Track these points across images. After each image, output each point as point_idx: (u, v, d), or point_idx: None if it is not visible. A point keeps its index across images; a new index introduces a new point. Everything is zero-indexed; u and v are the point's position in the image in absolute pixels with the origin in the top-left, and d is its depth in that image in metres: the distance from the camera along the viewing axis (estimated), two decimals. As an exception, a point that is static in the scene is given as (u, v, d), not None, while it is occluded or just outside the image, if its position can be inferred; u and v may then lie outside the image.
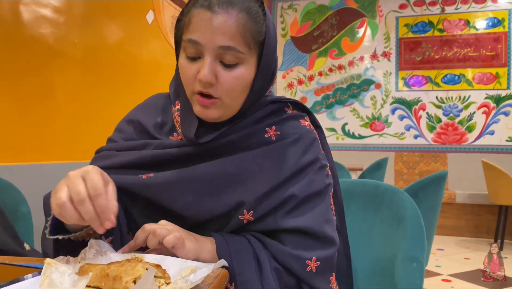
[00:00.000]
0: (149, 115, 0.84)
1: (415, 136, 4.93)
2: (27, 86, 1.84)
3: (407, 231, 0.85)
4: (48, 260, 0.54)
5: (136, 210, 0.77)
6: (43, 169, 1.81)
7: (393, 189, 0.95)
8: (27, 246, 1.06)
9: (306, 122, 0.82)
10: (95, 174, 0.57)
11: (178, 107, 0.79)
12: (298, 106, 0.84)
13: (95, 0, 2.27)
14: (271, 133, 0.78)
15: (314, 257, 0.73)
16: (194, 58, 0.71)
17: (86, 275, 0.53)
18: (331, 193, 0.81)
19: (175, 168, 0.75)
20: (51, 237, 0.66)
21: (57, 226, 0.68)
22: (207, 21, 0.68)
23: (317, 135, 0.83)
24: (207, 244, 0.70)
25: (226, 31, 0.67)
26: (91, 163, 0.82)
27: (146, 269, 0.52)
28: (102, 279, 0.54)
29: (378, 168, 3.49)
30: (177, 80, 0.79)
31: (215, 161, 0.75)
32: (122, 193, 0.74)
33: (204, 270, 0.57)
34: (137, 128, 0.83)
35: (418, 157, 4.90)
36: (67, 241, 0.68)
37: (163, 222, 0.69)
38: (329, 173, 0.82)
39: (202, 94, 0.71)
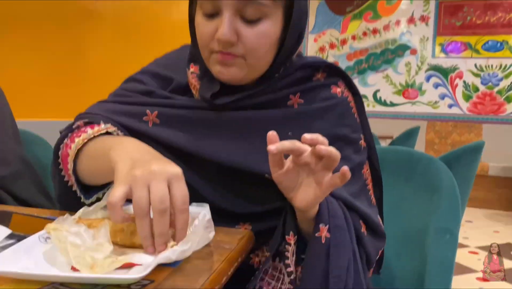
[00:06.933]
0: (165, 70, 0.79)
1: (450, 106, 4.75)
2: (59, 45, 1.86)
3: (441, 202, 0.81)
4: (51, 226, 0.49)
5: None
6: (74, 127, 1.84)
7: (428, 157, 0.92)
8: (57, 201, 1.09)
9: (338, 89, 0.73)
10: (184, 184, 0.50)
11: (192, 70, 0.73)
12: (332, 69, 0.75)
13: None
14: (294, 100, 0.71)
15: (360, 221, 0.68)
16: (212, 15, 0.63)
17: (96, 228, 0.51)
18: (363, 171, 0.74)
19: (188, 128, 0.69)
20: (89, 201, 0.67)
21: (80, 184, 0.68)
22: None
23: (351, 103, 0.75)
24: None
25: None
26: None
27: None
28: (117, 234, 0.52)
29: (409, 136, 3.40)
30: (192, 42, 0.72)
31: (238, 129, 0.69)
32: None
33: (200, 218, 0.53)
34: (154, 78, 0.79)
35: (451, 126, 4.74)
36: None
37: None
38: (363, 146, 0.74)
39: (222, 52, 0.64)
